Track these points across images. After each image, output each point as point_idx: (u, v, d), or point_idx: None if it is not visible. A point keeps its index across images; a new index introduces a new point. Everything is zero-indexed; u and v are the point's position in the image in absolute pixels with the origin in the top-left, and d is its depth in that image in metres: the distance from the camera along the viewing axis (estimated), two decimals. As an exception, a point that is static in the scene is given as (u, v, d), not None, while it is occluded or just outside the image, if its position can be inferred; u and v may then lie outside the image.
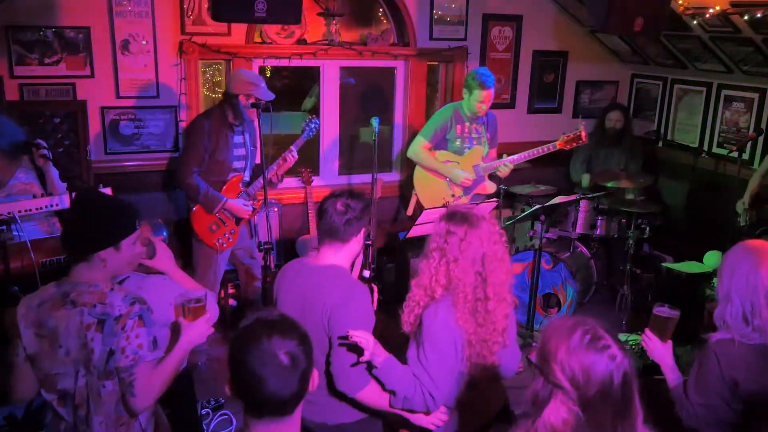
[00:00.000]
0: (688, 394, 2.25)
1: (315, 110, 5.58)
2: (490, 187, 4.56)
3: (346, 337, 2.13)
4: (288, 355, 1.48)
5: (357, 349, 2.16)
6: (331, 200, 2.31)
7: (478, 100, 4.26)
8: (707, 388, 2.20)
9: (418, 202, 4.63)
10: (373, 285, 2.71)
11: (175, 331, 2.16)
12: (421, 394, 2.18)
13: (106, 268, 2.06)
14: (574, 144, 4.36)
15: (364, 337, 2.11)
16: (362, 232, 2.37)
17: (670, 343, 2.41)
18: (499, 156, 4.54)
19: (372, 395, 2.26)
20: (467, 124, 4.43)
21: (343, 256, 2.35)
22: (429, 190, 4.54)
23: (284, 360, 1.47)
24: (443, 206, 3.94)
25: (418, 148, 4.46)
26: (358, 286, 2.31)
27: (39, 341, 2.05)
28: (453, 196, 4.49)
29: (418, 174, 4.60)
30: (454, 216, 2.23)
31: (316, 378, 1.59)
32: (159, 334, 2.10)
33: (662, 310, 2.39)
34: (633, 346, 3.66)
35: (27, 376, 2.09)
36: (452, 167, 4.43)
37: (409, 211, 4.75)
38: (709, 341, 2.23)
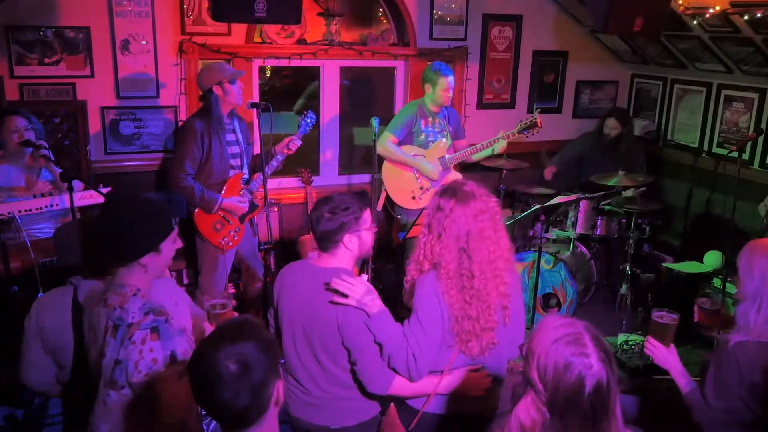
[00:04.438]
0: (708, 399, 2.22)
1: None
2: (456, 177, 4.60)
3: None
4: (238, 362, 1.41)
5: (376, 349, 2.19)
6: (317, 210, 2.28)
7: (443, 88, 4.41)
8: (728, 392, 2.18)
9: (387, 197, 4.71)
10: None
11: (200, 337, 2.11)
12: (405, 353, 2.18)
13: (147, 272, 2.00)
14: (532, 131, 4.46)
15: (350, 282, 2.15)
16: (360, 229, 2.30)
17: (673, 347, 2.39)
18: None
19: (402, 385, 2.26)
20: (430, 119, 4.57)
21: (343, 257, 2.32)
22: (397, 184, 4.62)
23: (232, 368, 1.41)
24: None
25: (387, 143, 4.53)
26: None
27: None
28: (421, 188, 4.58)
29: (386, 169, 4.65)
30: (446, 191, 2.24)
31: (281, 391, 1.52)
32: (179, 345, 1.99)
33: (662, 315, 2.38)
34: (633, 346, 3.66)
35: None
36: (421, 161, 4.53)
37: (378, 207, 4.80)
38: (728, 344, 2.21)
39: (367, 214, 2.32)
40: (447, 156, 4.58)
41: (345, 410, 2.35)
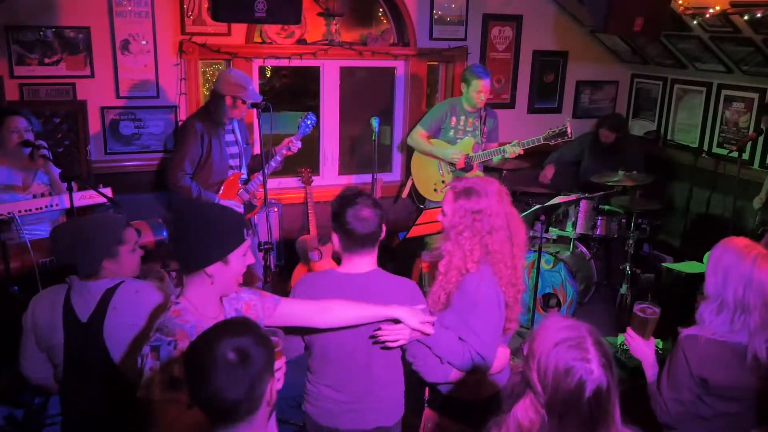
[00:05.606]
0: (660, 389, 2.26)
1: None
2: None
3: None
4: (236, 351, 1.41)
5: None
6: (352, 210, 2.18)
7: (477, 89, 4.46)
8: (678, 384, 2.21)
9: (413, 186, 4.91)
10: None
11: None
12: (468, 356, 2.23)
13: (214, 284, 1.89)
14: (560, 140, 4.43)
15: (393, 330, 2.15)
16: None
17: (652, 340, 2.41)
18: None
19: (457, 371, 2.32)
20: (462, 117, 4.65)
21: (375, 255, 2.32)
22: (422, 174, 4.83)
23: (230, 356, 1.40)
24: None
25: (416, 136, 4.76)
26: (407, 282, 2.33)
27: None
28: (443, 182, 4.71)
29: (415, 159, 4.87)
30: (468, 193, 2.25)
31: (274, 391, 1.49)
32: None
33: (643, 309, 2.40)
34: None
35: None
36: (444, 149, 4.67)
37: (404, 194, 5.05)
38: (679, 337, 2.23)
39: None
40: (471, 154, 4.63)
41: (383, 411, 2.36)
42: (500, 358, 2.36)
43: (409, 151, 4.95)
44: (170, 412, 1.79)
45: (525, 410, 1.45)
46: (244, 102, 3.80)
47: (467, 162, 4.60)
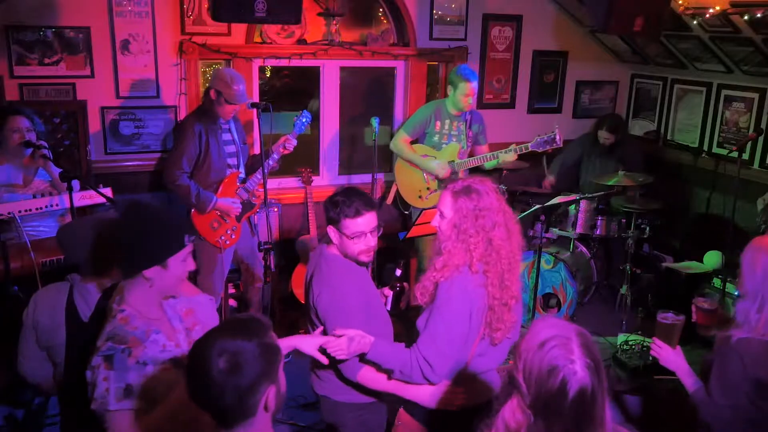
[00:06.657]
0: (713, 396, 2.23)
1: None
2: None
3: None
4: (228, 361, 1.38)
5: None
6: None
7: (464, 93, 4.40)
8: (733, 389, 2.19)
9: (397, 193, 4.81)
10: (404, 284, 2.68)
11: None
12: (417, 366, 2.20)
13: (153, 287, 1.92)
14: (548, 148, 4.36)
15: (335, 342, 2.19)
16: (342, 231, 2.34)
17: (679, 348, 2.40)
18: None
19: (368, 377, 2.34)
20: (447, 121, 4.58)
21: (335, 245, 2.42)
22: (407, 181, 4.73)
23: (221, 364, 1.38)
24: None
25: (399, 142, 4.64)
26: (339, 282, 2.36)
27: None
28: (428, 189, 4.64)
29: (399, 166, 4.76)
30: (470, 191, 2.22)
31: (272, 398, 1.46)
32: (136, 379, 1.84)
33: (667, 317, 2.39)
34: (633, 346, 3.66)
35: None
36: (427, 160, 4.57)
37: (389, 200, 4.94)
38: (731, 341, 2.21)
39: (350, 223, 2.31)
40: (457, 161, 4.56)
41: (337, 385, 2.44)
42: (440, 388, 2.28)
43: (393, 155, 4.83)
44: (125, 421, 1.79)
45: (512, 411, 1.44)
46: (228, 102, 3.80)
47: (453, 169, 4.53)
